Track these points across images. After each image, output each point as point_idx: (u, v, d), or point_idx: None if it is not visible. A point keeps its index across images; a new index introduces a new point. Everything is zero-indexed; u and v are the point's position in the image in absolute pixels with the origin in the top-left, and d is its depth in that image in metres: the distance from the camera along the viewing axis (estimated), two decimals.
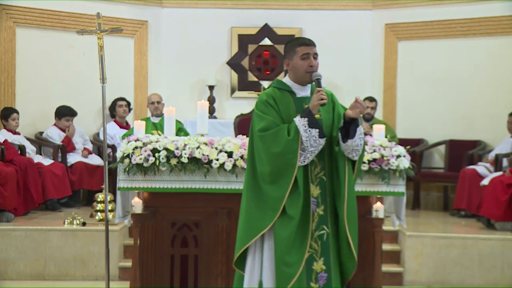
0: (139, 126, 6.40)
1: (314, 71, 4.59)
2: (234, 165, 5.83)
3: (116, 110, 10.49)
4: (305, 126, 4.46)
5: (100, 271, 7.52)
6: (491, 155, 9.51)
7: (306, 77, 4.61)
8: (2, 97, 9.88)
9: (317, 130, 4.45)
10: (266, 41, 11.31)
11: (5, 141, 8.88)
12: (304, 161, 4.49)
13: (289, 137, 4.48)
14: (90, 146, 10.21)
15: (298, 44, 4.62)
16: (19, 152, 8.99)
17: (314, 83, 4.60)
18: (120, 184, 5.90)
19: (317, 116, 4.53)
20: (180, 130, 8.88)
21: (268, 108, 4.58)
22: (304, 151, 4.47)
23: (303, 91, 4.67)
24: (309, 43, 4.62)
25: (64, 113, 9.98)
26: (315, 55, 4.61)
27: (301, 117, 4.50)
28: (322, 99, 4.46)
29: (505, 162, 9.13)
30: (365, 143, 4.85)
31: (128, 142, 5.92)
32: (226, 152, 5.86)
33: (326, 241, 4.55)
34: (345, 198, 4.55)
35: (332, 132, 4.61)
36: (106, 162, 6.05)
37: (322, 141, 4.48)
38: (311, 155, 4.48)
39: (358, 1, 11.17)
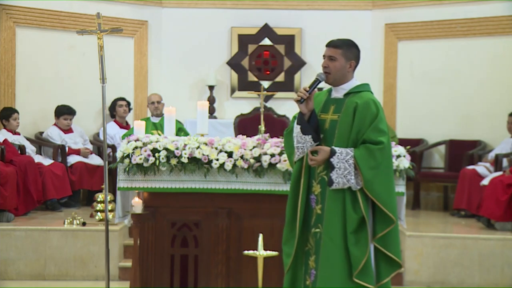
0: (139, 126, 6.39)
1: (325, 72, 4.67)
2: (234, 165, 5.83)
3: (116, 110, 10.49)
4: (296, 123, 4.65)
5: (100, 271, 7.52)
6: (491, 155, 9.51)
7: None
8: (2, 97, 9.88)
9: (299, 126, 4.60)
10: (266, 41, 11.31)
11: (5, 141, 8.88)
12: (297, 156, 4.67)
13: (286, 133, 4.78)
14: (90, 146, 10.21)
15: None
16: (19, 152, 8.99)
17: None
18: (120, 184, 5.90)
19: (333, 116, 4.61)
20: (180, 130, 8.88)
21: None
22: (297, 147, 4.66)
23: (336, 92, 4.73)
24: (326, 45, 4.73)
25: (63, 112, 9.99)
26: (329, 57, 4.66)
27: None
28: (297, 96, 4.59)
29: (505, 162, 9.13)
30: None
31: (128, 142, 5.92)
32: (226, 152, 5.86)
33: (318, 240, 4.62)
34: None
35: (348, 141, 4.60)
36: (106, 162, 6.05)
37: (308, 138, 4.58)
38: (297, 151, 4.65)
39: (358, 1, 11.16)
